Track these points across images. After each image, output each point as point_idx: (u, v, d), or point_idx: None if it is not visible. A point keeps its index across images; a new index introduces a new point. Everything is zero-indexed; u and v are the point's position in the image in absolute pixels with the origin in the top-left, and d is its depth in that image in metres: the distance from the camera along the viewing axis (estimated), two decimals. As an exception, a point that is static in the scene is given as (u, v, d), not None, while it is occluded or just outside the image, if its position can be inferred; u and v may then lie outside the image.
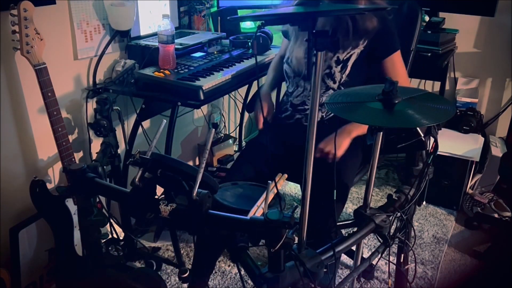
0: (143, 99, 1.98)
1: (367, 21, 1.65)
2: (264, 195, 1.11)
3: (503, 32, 2.69)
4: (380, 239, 1.31)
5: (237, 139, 3.05)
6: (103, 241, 1.84)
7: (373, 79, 1.67)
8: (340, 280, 1.33)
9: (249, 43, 2.32)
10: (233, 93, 2.93)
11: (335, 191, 1.37)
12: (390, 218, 1.29)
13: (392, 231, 1.31)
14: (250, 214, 1.13)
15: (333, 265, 1.22)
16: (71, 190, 1.58)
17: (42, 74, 1.57)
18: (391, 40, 1.71)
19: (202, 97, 1.77)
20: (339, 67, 1.70)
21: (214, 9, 2.53)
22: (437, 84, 2.89)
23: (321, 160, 1.60)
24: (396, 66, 1.72)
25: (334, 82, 1.71)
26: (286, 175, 1.37)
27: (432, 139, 1.38)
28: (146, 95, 1.91)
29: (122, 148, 2.05)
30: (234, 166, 1.83)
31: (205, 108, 2.86)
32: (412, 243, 1.77)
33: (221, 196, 1.27)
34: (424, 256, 2.21)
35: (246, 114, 3.09)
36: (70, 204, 1.71)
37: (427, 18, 2.63)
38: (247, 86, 2.70)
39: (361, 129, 1.65)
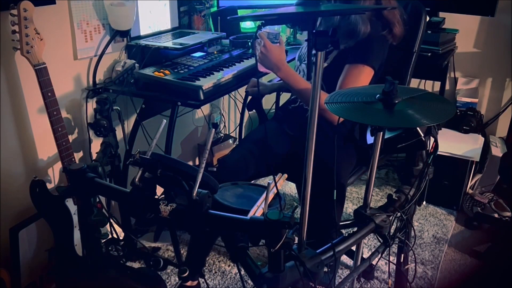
0: (143, 99, 1.98)
1: (362, 24, 1.58)
2: (264, 195, 1.11)
3: (503, 32, 2.68)
4: (380, 239, 1.31)
5: (237, 139, 3.05)
6: (103, 241, 1.84)
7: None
8: (340, 280, 1.33)
9: (249, 43, 2.32)
10: (233, 93, 2.93)
11: (335, 191, 1.37)
12: (390, 218, 1.29)
13: (392, 231, 1.31)
14: (250, 214, 1.13)
15: (334, 265, 1.22)
16: (71, 190, 1.58)
17: (42, 74, 1.57)
18: (370, 52, 1.63)
19: (202, 97, 1.77)
20: None
21: (214, 9, 2.53)
22: (437, 84, 2.89)
23: (317, 161, 1.61)
24: (359, 78, 1.62)
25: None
26: (286, 175, 1.37)
27: (432, 139, 1.38)
28: (146, 95, 1.91)
29: (122, 148, 2.05)
30: (231, 155, 1.86)
31: (205, 108, 2.86)
32: (412, 243, 1.78)
33: (221, 196, 1.27)
34: (424, 256, 2.21)
35: (246, 114, 3.09)
36: (70, 204, 1.71)
37: (427, 18, 2.62)
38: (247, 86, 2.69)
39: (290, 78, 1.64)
